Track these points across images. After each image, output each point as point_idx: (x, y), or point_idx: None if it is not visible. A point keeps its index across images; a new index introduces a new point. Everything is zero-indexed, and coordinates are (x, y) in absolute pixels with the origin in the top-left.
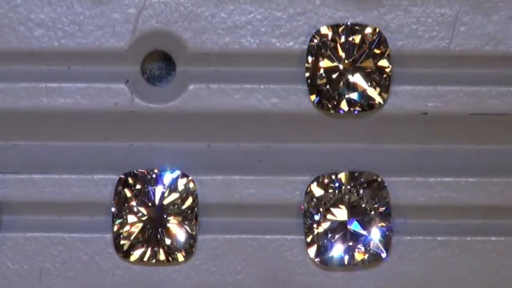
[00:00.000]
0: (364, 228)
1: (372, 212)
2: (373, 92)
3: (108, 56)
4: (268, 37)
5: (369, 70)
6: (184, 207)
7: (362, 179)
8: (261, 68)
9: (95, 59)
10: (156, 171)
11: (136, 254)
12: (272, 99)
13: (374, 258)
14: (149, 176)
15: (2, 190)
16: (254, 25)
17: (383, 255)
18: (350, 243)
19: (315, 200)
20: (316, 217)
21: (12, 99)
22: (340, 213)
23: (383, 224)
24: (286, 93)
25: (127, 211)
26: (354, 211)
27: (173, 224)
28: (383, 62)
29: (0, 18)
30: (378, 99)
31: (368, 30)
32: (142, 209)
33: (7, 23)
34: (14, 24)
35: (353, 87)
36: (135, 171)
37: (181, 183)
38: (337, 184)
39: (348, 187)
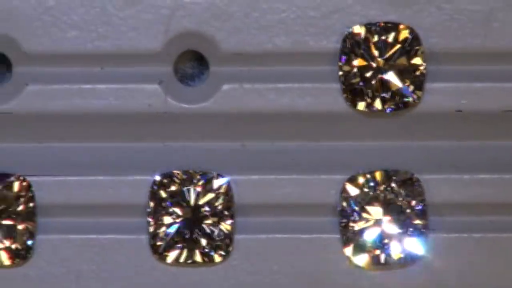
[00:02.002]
0: (399, 226)
1: (408, 210)
2: (407, 90)
3: (141, 57)
4: (301, 36)
5: (403, 68)
6: (219, 207)
7: (397, 178)
8: (295, 67)
9: (128, 60)
10: (191, 171)
11: (172, 256)
12: (305, 98)
13: (410, 257)
14: (184, 177)
15: (37, 192)
16: (287, 24)
17: (419, 253)
18: (386, 242)
19: (350, 199)
20: (352, 216)
21: (45, 101)
22: (376, 212)
23: (418, 222)
24: (319, 92)
25: (163, 212)
26: (390, 209)
27: (209, 224)
28: (417, 60)
29: (33, 21)
30: (412, 97)
31: (402, 29)
32: (178, 210)
33: (40, 25)
34: (47, 26)
35: (386, 85)
36: (170, 172)
37: (217, 183)
38: (372, 183)
39: (383, 185)
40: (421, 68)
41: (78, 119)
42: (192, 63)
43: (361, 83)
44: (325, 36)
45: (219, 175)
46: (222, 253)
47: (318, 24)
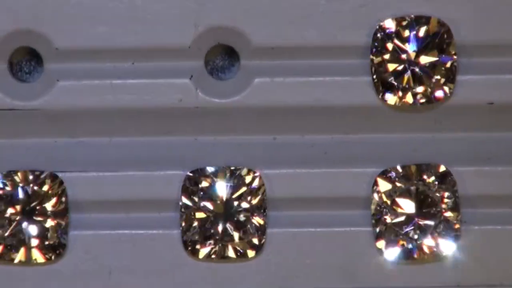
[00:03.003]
0: (432, 219)
1: (440, 203)
2: (438, 83)
3: (171, 51)
4: (332, 30)
5: (434, 61)
6: (252, 201)
7: (430, 170)
8: (325, 61)
9: (158, 55)
10: (223, 166)
11: (204, 251)
12: (336, 91)
13: (443, 250)
14: (216, 172)
15: (70, 188)
16: (317, 18)
17: (452, 246)
18: (419, 235)
19: (382, 192)
20: (384, 209)
21: (77, 96)
22: (408, 205)
23: (451, 214)
24: (350, 85)
25: (195, 207)
26: (422, 202)
27: (241, 219)
28: (448, 53)
29: (64, 17)
30: (443, 90)
31: (433, 22)
32: (210, 205)
33: (71, 21)
34: (78, 22)
35: (418, 78)
36: (202, 167)
37: (248, 178)
38: (404, 176)
39: (415, 178)
40: (453, 61)
41: (109, 114)
42: (223, 55)
43: (392, 77)
44: (356, 29)
45: (251, 170)
46: (255, 247)
47: (348, 17)
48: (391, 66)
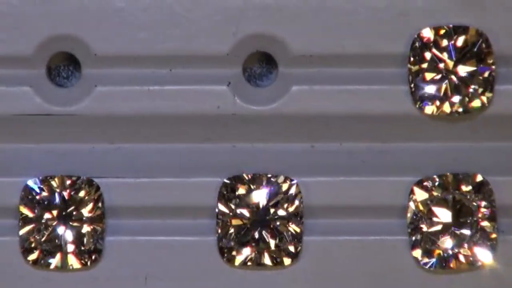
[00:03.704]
0: (468, 228)
1: (477, 212)
2: (476, 93)
3: (209, 58)
4: (370, 38)
5: (472, 71)
6: (288, 209)
7: (466, 180)
8: (363, 70)
9: (196, 61)
10: (259, 173)
11: (240, 258)
12: (374, 100)
13: (479, 259)
14: (253, 179)
15: (106, 194)
16: (356, 27)
17: (489, 255)
18: (455, 244)
19: (418, 201)
20: (420, 218)
21: (115, 102)
22: (444, 214)
23: (488, 224)
24: (388, 94)
25: (231, 214)
26: (459, 212)
27: (277, 227)
28: (486, 63)
29: (102, 22)
30: (481, 100)
31: (471, 31)
32: (246, 212)
33: (110, 27)
34: (117, 27)
35: (456, 88)
36: (239, 174)
37: (285, 185)
38: (441, 185)
39: (452, 188)
40: (491, 71)
41: (147, 120)
42: (261, 63)
43: (430, 86)
44: (394, 38)
45: (288, 177)
46: (291, 255)
47: (387, 26)
48: (429, 75)
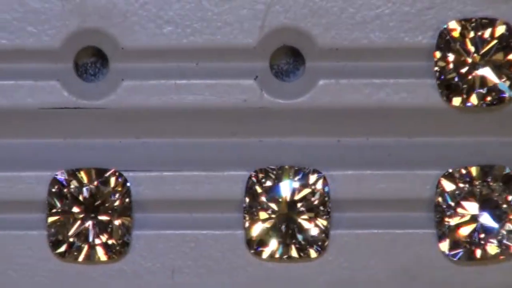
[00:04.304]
0: (496, 221)
1: (504, 205)
2: (503, 86)
3: (236, 52)
4: (397, 31)
5: (499, 64)
6: (315, 202)
7: (493, 173)
8: (390, 63)
9: (223, 55)
10: (286, 167)
11: (267, 251)
12: (401, 93)
13: (507, 252)
14: (280, 172)
15: (134, 188)
16: (382, 20)
17: None
18: (482, 237)
19: (445, 194)
20: (447, 211)
21: (141, 96)
22: (472, 207)
23: None
24: (415, 87)
25: (259, 207)
26: (486, 204)
27: (304, 220)
28: None
29: (129, 16)
30: (508, 93)
31: (498, 24)
32: (274, 206)
33: (137, 21)
34: (144, 21)
35: (482, 81)
36: (265, 168)
37: (312, 179)
38: (468, 178)
39: (479, 180)
40: None
41: (174, 114)
42: (288, 59)
43: (456, 79)
44: (421, 31)
45: (315, 171)
46: (318, 248)
47: (413, 19)
48: (455, 68)
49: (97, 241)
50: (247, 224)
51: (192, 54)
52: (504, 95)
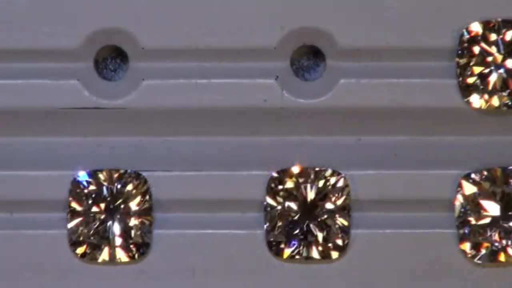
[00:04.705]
0: None
1: None
2: None
3: (257, 52)
4: (418, 32)
5: None
6: (336, 202)
7: None
8: (411, 63)
9: (244, 55)
10: (307, 167)
11: (288, 251)
12: (422, 94)
13: None
14: (301, 172)
15: (154, 188)
16: (403, 21)
17: None
18: (504, 238)
19: (466, 194)
20: (468, 212)
21: (162, 96)
22: (493, 207)
23: None
24: (435, 87)
25: (279, 207)
26: (507, 205)
27: (325, 220)
28: None
29: (150, 15)
30: None
31: None
32: (294, 206)
33: (158, 20)
34: (164, 20)
35: (504, 82)
36: (286, 168)
37: (333, 179)
38: (489, 179)
39: (501, 181)
40: None
41: (194, 114)
42: (308, 56)
43: (478, 80)
44: (442, 32)
45: (336, 171)
46: (339, 248)
47: (434, 20)
48: (477, 69)
49: (117, 241)
50: (267, 224)
51: (212, 53)
52: None
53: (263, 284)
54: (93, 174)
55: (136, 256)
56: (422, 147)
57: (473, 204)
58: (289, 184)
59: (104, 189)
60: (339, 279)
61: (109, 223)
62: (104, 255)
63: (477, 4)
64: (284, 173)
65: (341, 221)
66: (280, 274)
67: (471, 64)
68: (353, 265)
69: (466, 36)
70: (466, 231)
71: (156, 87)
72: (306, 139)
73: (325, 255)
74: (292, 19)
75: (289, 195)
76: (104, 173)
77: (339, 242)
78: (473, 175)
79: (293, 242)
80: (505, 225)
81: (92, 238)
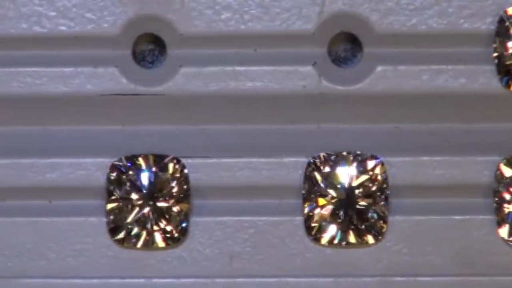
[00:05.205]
0: None
1: None
2: None
3: (295, 38)
4: (456, 18)
5: None
6: (373, 188)
7: None
8: (448, 49)
9: (281, 41)
10: (344, 153)
11: (326, 237)
12: (459, 79)
13: None
14: (338, 158)
15: (192, 174)
16: (441, 6)
17: None
18: None
19: (505, 179)
20: (507, 197)
21: (200, 83)
22: None
23: None
24: (473, 73)
25: (317, 193)
26: None
27: (363, 206)
28: None
29: (188, 2)
30: None
31: None
32: (332, 192)
33: (195, 7)
34: (202, 7)
35: None
36: (324, 154)
37: (370, 165)
38: None
39: None
40: None
41: (232, 101)
42: (345, 45)
43: None
44: (480, 17)
45: (373, 156)
46: (376, 234)
47: (472, 5)
48: None
49: (155, 227)
50: (305, 210)
51: (250, 40)
52: None
53: (301, 269)
54: (131, 160)
55: (174, 242)
56: (459, 132)
57: (511, 189)
58: (327, 170)
59: (143, 175)
60: (376, 264)
61: (147, 209)
62: (143, 241)
63: None
64: (322, 159)
65: (378, 207)
66: (318, 259)
67: (509, 49)
68: (390, 251)
69: (504, 20)
70: (505, 216)
71: (194, 74)
72: (343, 126)
73: (362, 240)
74: (330, 5)
75: (327, 181)
76: (143, 159)
77: (377, 227)
78: (511, 160)
79: (331, 228)
80: None
81: (130, 224)
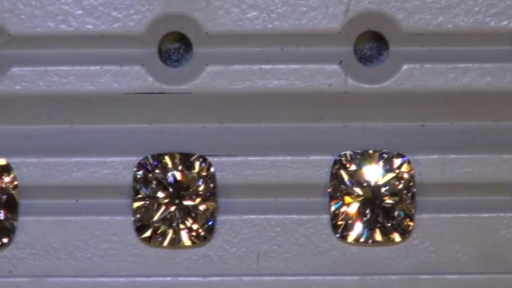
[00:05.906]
0: None
1: None
2: None
3: (321, 37)
4: (482, 16)
5: None
6: (400, 186)
7: None
8: (475, 47)
9: (308, 40)
10: (371, 151)
11: (352, 235)
12: (486, 77)
13: None
14: (364, 157)
15: (218, 173)
16: (467, 4)
17: None
18: None
19: None
20: None
21: (226, 81)
22: None
23: None
24: (500, 71)
25: (343, 192)
26: None
27: (389, 204)
28: None
29: (213, 1)
30: None
31: None
32: (358, 190)
33: (221, 6)
34: (228, 6)
35: None
36: (350, 152)
37: (397, 163)
38: None
39: None
40: None
41: (258, 99)
42: (371, 44)
43: None
44: (506, 16)
45: (399, 155)
46: (403, 232)
47: (498, 3)
48: None
49: (181, 226)
50: (332, 209)
51: (277, 39)
52: None
53: (327, 267)
54: (158, 159)
55: (200, 240)
56: (486, 130)
57: None
58: (353, 168)
59: (169, 174)
60: (403, 262)
61: (174, 207)
62: (169, 239)
63: None
64: (348, 157)
65: (405, 205)
66: (344, 257)
67: None
68: (417, 249)
69: None
70: None
71: (220, 72)
72: (369, 124)
73: (389, 238)
74: (356, 3)
75: (353, 179)
76: (169, 157)
77: (403, 225)
78: None
79: (357, 226)
80: None
81: (157, 223)
